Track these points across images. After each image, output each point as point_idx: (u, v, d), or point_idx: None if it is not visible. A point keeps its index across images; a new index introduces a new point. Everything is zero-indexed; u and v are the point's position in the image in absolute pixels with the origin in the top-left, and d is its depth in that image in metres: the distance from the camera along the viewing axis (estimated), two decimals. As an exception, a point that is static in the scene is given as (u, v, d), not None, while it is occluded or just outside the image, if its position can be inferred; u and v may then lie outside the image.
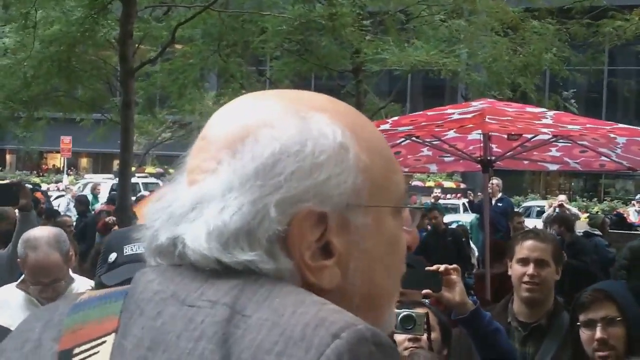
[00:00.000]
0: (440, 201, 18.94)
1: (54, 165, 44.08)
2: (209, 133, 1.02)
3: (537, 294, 3.50)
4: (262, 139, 0.96)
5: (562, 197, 16.85)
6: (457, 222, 16.69)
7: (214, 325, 0.89)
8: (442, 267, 3.05)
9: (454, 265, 3.09)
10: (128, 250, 2.33)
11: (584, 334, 2.99)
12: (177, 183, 1.03)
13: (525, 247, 3.54)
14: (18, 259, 3.71)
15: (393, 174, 1.03)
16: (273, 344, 0.85)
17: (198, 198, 0.97)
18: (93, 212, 14.89)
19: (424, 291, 3.05)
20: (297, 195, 0.94)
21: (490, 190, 12.63)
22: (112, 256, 2.37)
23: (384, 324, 1.03)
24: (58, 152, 34.05)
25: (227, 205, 0.94)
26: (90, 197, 18.68)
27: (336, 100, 1.07)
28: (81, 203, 15.48)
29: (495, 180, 13.36)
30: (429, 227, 11.86)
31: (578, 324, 3.02)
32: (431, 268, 3.10)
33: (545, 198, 32.84)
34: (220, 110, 1.06)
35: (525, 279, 3.48)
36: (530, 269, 3.48)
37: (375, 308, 1.01)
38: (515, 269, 3.57)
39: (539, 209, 25.63)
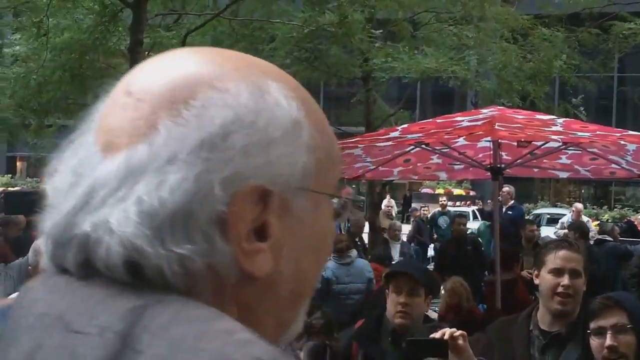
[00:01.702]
0: (449, 209, 18.85)
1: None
2: (137, 88, 0.85)
3: (570, 306, 3.42)
4: (211, 104, 0.82)
5: (579, 206, 16.79)
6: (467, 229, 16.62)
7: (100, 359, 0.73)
8: (447, 334, 2.97)
9: (460, 332, 3.00)
10: None
11: (594, 341, 2.99)
12: (81, 146, 0.86)
13: (559, 257, 3.45)
14: (29, 266, 3.73)
15: (334, 159, 0.93)
16: None
17: (128, 170, 0.80)
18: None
19: None
20: (245, 173, 0.81)
21: (501, 198, 12.64)
22: None
23: (297, 324, 0.93)
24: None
25: (165, 179, 0.78)
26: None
27: (266, 63, 0.95)
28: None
29: (507, 188, 13.32)
30: (434, 236, 11.80)
31: (589, 331, 3.02)
32: (436, 335, 3.02)
33: (555, 205, 32.79)
34: (149, 62, 0.90)
35: (560, 289, 3.40)
36: (565, 279, 3.39)
37: (298, 304, 0.90)
38: (547, 279, 3.46)
39: (549, 216, 25.57)
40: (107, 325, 0.75)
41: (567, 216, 16.87)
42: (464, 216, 11.98)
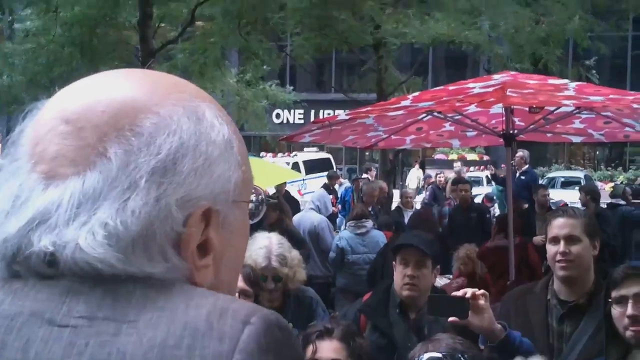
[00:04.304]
0: (463, 174, 18.82)
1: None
2: (74, 116, 0.88)
3: (572, 271, 3.44)
4: (156, 131, 0.87)
5: None
6: (480, 194, 16.59)
7: (103, 345, 0.80)
8: (469, 293, 2.96)
9: (482, 291, 3.00)
10: None
11: (615, 310, 2.96)
12: (17, 172, 0.88)
13: (554, 226, 3.51)
14: None
15: (248, 166, 1.00)
16: (178, 338, 0.80)
17: (83, 195, 0.84)
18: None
19: (451, 319, 2.95)
20: (195, 194, 0.88)
21: (514, 163, 12.58)
22: None
23: None
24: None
25: (126, 204, 0.84)
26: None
27: (191, 84, 0.99)
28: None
29: (521, 153, 13.23)
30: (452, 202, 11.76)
31: (610, 300, 3.01)
32: (457, 294, 3.01)
33: (569, 168, 32.64)
34: (79, 87, 0.94)
35: (558, 257, 3.44)
36: (561, 246, 3.44)
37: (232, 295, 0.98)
38: (548, 249, 3.53)
39: (563, 179, 25.47)
40: (90, 314, 0.82)
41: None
42: (467, 182, 11.87)
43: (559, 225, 3.50)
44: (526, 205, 10.20)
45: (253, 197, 1.04)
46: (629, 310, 2.91)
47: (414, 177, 24.46)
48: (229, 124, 0.96)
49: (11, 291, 0.85)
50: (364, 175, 18.94)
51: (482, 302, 2.95)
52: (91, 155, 0.85)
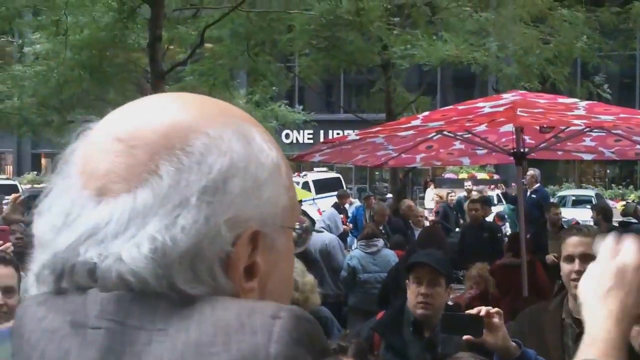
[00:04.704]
0: (474, 193, 18.79)
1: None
2: (126, 135, 0.89)
3: None
4: (208, 151, 0.88)
5: None
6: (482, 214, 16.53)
7: (139, 355, 0.81)
8: (483, 311, 2.95)
9: (496, 309, 2.98)
10: None
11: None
12: (69, 189, 0.90)
13: (569, 244, 3.50)
14: None
15: (294, 193, 1.00)
16: (212, 336, 0.81)
17: (134, 211, 0.85)
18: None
19: (465, 337, 2.94)
20: (243, 215, 0.88)
21: (525, 182, 12.54)
22: None
23: None
24: (92, 154, 34.39)
25: (176, 221, 0.84)
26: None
27: (238, 109, 1.01)
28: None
29: (532, 171, 13.19)
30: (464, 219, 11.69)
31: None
32: (472, 312, 3.00)
33: (580, 187, 32.54)
34: (130, 108, 0.94)
35: (573, 276, 3.41)
36: (576, 265, 3.42)
37: None
38: (563, 268, 3.52)
39: (574, 198, 25.39)
40: (119, 320, 0.83)
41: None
42: (476, 201, 11.81)
43: (573, 244, 3.49)
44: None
45: (297, 225, 1.02)
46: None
47: (429, 196, 24.49)
48: (277, 150, 0.96)
49: (55, 306, 0.86)
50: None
51: (496, 320, 2.94)
52: (143, 173, 0.86)
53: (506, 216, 15.23)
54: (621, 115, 6.21)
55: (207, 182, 0.86)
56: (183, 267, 0.84)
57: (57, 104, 15.88)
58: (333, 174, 27.71)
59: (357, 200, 20.45)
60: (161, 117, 0.90)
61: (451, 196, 16.96)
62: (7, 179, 30.75)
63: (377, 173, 34.06)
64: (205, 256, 0.85)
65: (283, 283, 0.98)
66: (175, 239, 0.83)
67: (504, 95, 7.05)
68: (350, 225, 15.08)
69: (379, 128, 7.16)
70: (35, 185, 27.64)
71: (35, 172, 41.41)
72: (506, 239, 10.21)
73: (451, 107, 7.42)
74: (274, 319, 0.82)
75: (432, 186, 25.94)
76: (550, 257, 8.20)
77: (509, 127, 6.96)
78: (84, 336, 0.83)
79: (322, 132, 35.22)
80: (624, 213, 11.62)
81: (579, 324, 3.48)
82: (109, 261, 0.83)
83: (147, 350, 0.81)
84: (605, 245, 1.46)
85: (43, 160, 45.94)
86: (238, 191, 0.88)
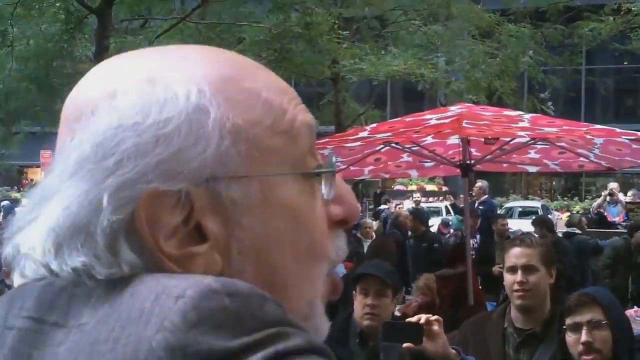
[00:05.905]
0: (423, 204, 18.95)
1: (32, 180, 43.67)
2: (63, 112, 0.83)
3: (529, 300, 3.50)
4: (99, 112, 0.77)
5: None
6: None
7: (28, 346, 0.73)
8: (422, 319, 2.99)
9: (435, 317, 3.02)
10: None
11: (570, 337, 3.00)
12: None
13: (512, 255, 3.56)
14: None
15: (289, 128, 0.84)
16: (109, 331, 0.69)
17: (42, 192, 0.79)
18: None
19: (405, 345, 2.96)
20: (135, 177, 0.75)
21: (473, 193, 12.71)
22: None
23: (310, 324, 0.86)
24: (38, 166, 33.79)
25: (63, 197, 0.76)
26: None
27: (214, 50, 0.87)
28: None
29: (479, 183, 13.39)
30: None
31: (565, 327, 3.04)
32: (412, 320, 3.04)
33: (527, 198, 33.01)
34: (81, 79, 0.86)
35: (515, 287, 3.49)
36: (518, 276, 3.49)
37: (286, 300, 0.78)
38: (505, 278, 3.58)
39: (520, 209, 25.74)
40: (36, 316, 0.74)
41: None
42: (412, 213, 12.25)
43: (516, 255, 3.55)
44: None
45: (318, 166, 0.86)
46: (583, 337, 2.95)
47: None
48: (211, 87, 0.80)
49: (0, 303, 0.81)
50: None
51: (435, 327, 2.98)
52: (61, 151, 0.80)
53: (451, 224, 15.38)
54: (564, 128, 6.33)
55: (90, 146, 0.76)
56: (73, 244, 0.75)
57: (2, 116, 15.60)
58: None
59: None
60: (90, 88, 0.82)
61: (399, 207, 17.09)
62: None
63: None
64: (90, 230, 0.75)
65: (269, 243, 0.80)
66: (59, 219, 0.75)
67: (451, 108, 7.15)
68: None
69: (326, 139, 7.18)
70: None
71: (-20, 185, 40.60)
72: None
73: (399, 119, 7.49)
74: (177, 300, 0.68)
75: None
76: (496, 269, 8.32)
77: (456, 140, 7.05)
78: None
79: (272, 144, 35.12)
80: (568, 224, 11.79)
81: (520, 333, 3.54)
82: (17, 250, 0.78)
83: (54, 352, 0.71)
84: None
85: (-12, 173, 45.04)
86: (124, 152, 0.75)
